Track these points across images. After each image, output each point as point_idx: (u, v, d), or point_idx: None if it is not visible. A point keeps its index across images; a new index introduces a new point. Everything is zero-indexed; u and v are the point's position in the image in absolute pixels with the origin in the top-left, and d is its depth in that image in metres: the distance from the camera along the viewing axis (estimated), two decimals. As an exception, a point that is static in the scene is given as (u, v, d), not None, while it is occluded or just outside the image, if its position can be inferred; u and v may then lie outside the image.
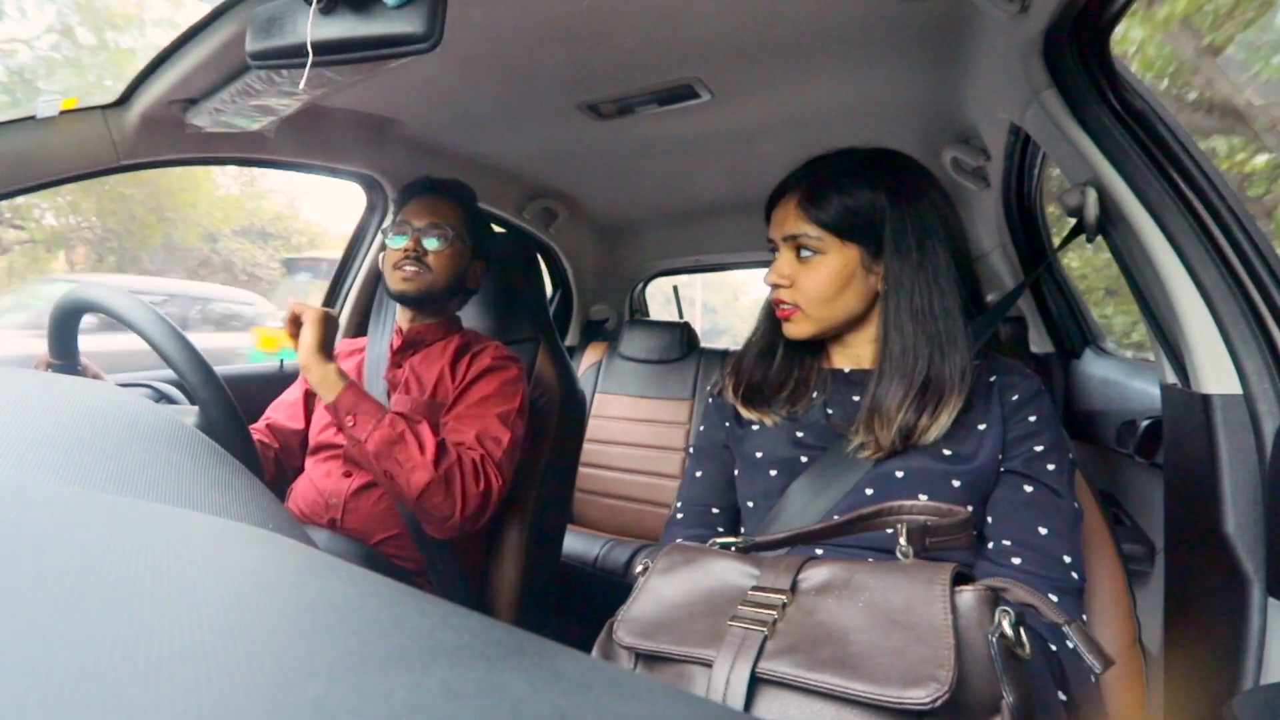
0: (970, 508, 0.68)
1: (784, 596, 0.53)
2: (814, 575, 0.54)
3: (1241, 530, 0.70)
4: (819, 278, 0.74)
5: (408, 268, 1.08)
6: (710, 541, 0.66)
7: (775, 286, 0.77)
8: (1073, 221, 0.87)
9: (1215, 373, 0.74)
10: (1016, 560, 0.65)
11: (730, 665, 0.49)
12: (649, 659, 0.56)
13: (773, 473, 0.75)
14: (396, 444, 0.90)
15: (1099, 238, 0.86)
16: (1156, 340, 0.84)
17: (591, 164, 1.69)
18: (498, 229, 1.88)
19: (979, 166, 1.32)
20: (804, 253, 0.75)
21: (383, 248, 1.14)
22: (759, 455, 0.77)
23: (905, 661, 0.45)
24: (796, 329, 0.77)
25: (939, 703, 0.43)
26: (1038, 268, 1.32)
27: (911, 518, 0.56)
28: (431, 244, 1.09)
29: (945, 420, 0.68)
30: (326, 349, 0.95)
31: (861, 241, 0.73)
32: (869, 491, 0.70)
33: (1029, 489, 0.67)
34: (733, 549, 0.63)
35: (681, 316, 2.48)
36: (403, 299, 1.12)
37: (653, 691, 0.16)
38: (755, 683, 0.49)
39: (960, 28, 0.97)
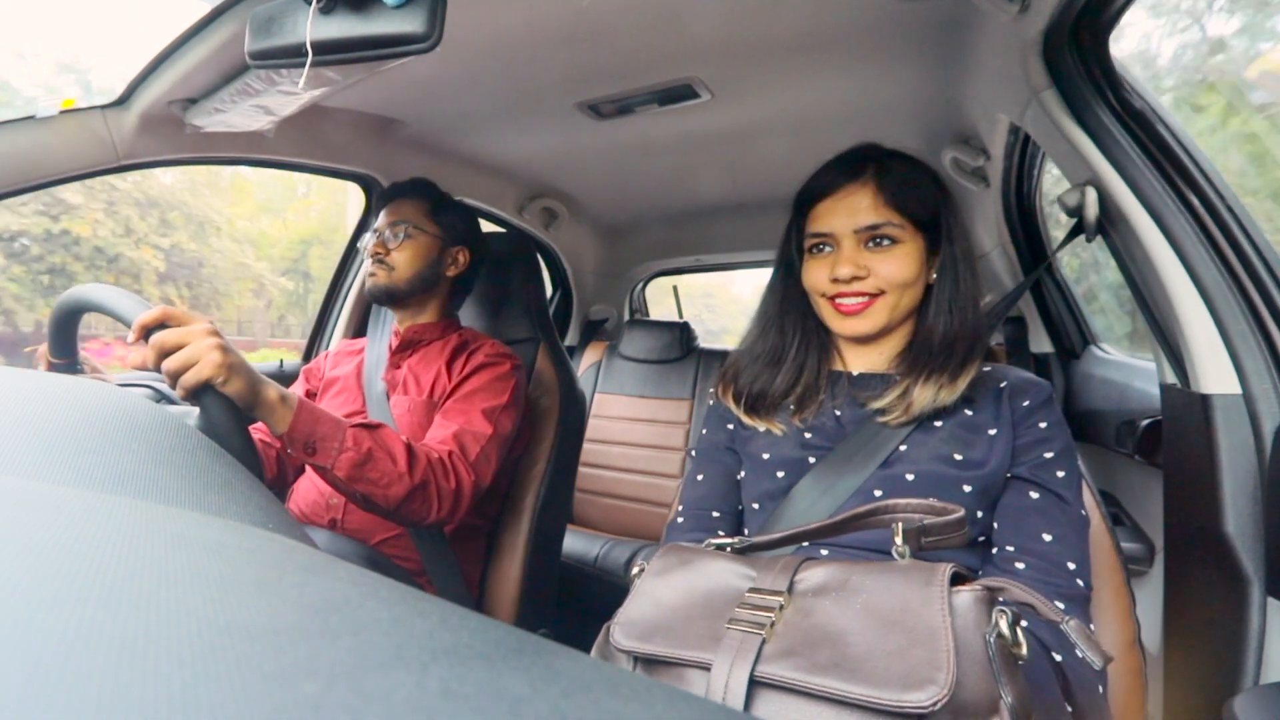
0: (980, 513, 0.68)
1: (781, 598, 0.53)
2: (811, 577, 0.54)
3: (1241, 530, 0.70)
4: (899, 264, 0.74)
5: (374, 268, 1.12)
6: (705, 542, 0.65)
7: (853, 280, 0.74)
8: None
9: (1215, 373, 0.74)
10: (1020, 566, 0.64)
11: (728, 669, 0.49)
12: (647, 662, 0.55)
13: (780, 474, 0.75)
14: (366, 464, 0.83)
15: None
16: (1156, 340, 0.85)
17: (591, 164, 1.69)
18: (498, 229, 1.88)
19: (979, 166, 1.32)
20: (882, 243, 0.74)
21: None
22: (765, 457, 0.76)
23: (904, 664, 0.45)
24: (869, 323, 0.74)
25: (938, 705, 0.43)
26: (1038, 268, 1.32)
27: (907, 516, 0.55)
28: (391, 241, 1.13)
29: (962, 384, 0.71)
30: (239, 355, 0.73)
31: (928, 232, 0.76)
32: (878, 493, 0.69)
33: (1034, 495, 0.67)
34: (728, 550, 0.63)
35: (681, 316, 2.48)
36: (373, 297, 1.15)
37: (652, 692, 0.16)
38: (753, 686, 0.49)
39: (960, 28, 0.97)
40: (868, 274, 0.73)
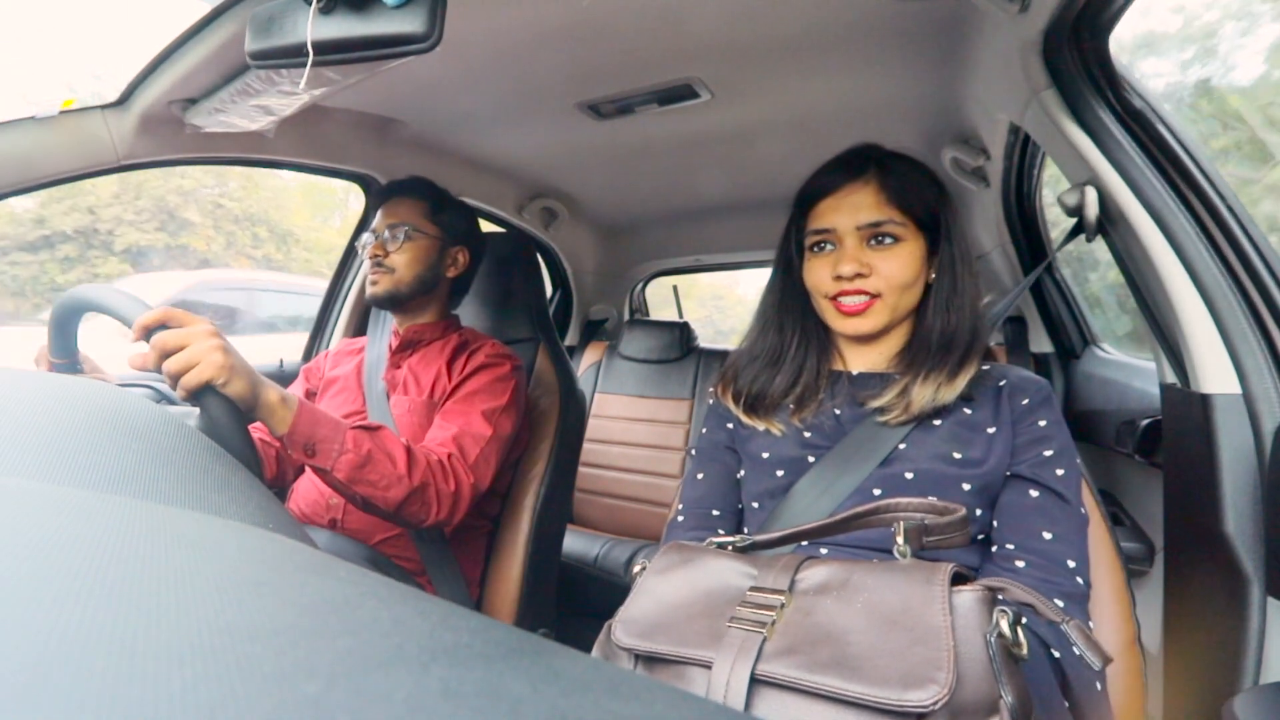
0: (980, 512, 0.68)
1: (782, 597, 0.53)
2: (812, 575, 0.54)
3: (1241, 530, 0.70)
4: (900, 263, 0.74)
5: (374, 273, 1.11)
6: (707, 540, 0.66)
7: (856, 278, 0.74)
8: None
9: (1215, 372, 0.74)
10: (1020, 564, 0.64)
11: (729, 667, 0.49)
12: (648, 660, 0.55)
13: (779, 473, 0.75)
14: (365, 465, 0.83)
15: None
16: (1156, 340, 0.85)
17: (591, 164, 1.69)
18: (497, 229, 1.88)
19: (979, 166, 1.32)
20: (884, 240, 0.74)
21: None
22: (765, 456, 0.76)
23: (904, 663, 0.45)
24: (870, 322, 0.75)
25: (939, 705, 0.43)
26: (1038, 268, 1.32)
27: (909, 515, 0.56)
28: (391, 244, 1.11)
29: (961, 382, 0.71)
30: (240, 355, 0.73)
31: (929, 232, 0.76)
32: (876, 492, 0.69)
33: (1034, 494, 0.67)
34: (730, 548, 0.63)
35: (681, 316, 2.48)
36: (375, 303, 1.14)
37: (652, 691, 0.16)
38: (754, 684, 0.49)
39: (960, 28, 0.97)
40: (870, 272, 0.73)
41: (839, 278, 0.74)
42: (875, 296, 0.74)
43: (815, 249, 0.78)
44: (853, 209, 0.75)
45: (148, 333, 0.69)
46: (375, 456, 0.84)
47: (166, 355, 0.68)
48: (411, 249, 1.12)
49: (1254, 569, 0.69)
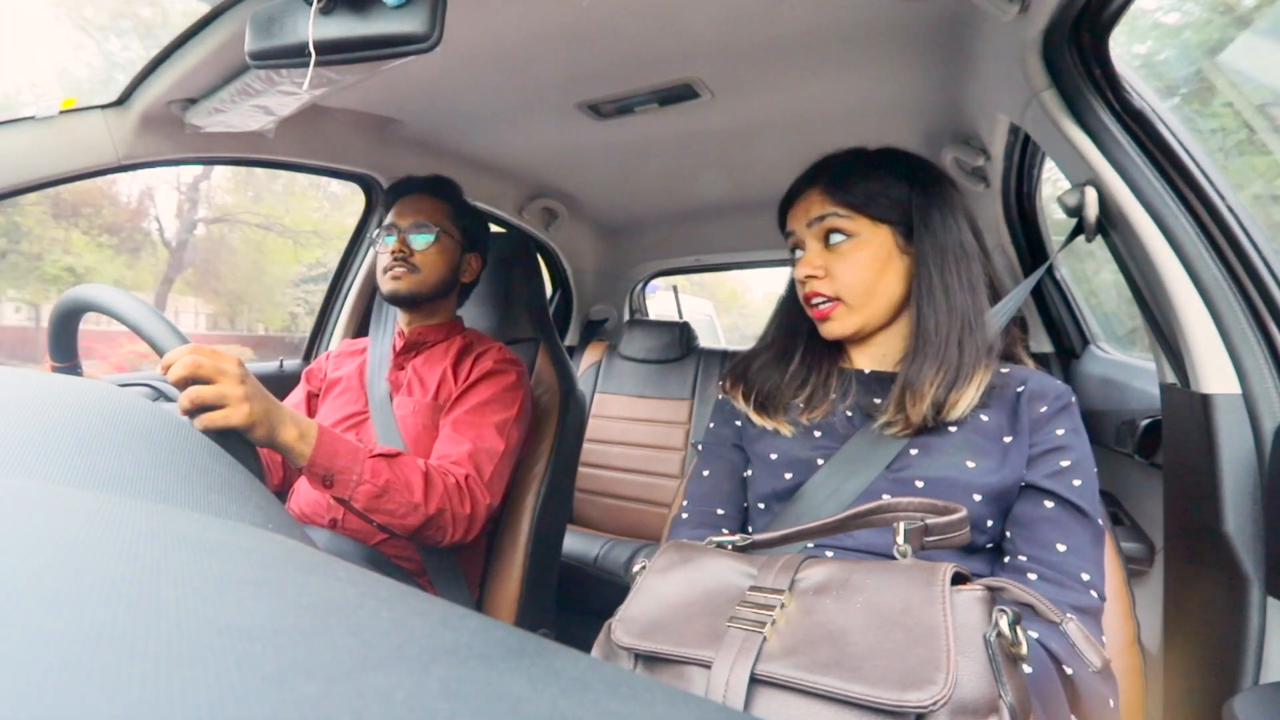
0: (991, 522, 0.67)
1: (782, 596, 0.53)
2: (812, 575, 0.54)
3: (1240, 529, 0.70)
4: (856, 263, 0.73)
5: (397, 269, 1.09)
6: (707, 539, 0.65)
7: (809, 279, 0.75)
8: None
9: (1215, 372, 0.74)
10: (1032, 576, 0.63)
11: (729, 667, 0.49)
12: (648, 660, 0.55)
13: (788, 475, 0.74)
14: (383, 495, 0.84)
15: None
16: (1156, 340, 0.85)
17: (591, 164, 1.69)
18: (497, 229, 1.88)
19: (979, 166, 1.32)
20: (835, 238, 0.74)
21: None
22: (773, 457, 0.76)
23: (904, 663, 0.45)
24: (839, 326, 0.75)
25: (938, 705, 0.43)
26: (1038, 268, 1.32)
27: (909, 515, 0.55)
28: (418, 243, 1.10)
29: (972, 395, 0.69)
30: (264, 396, 0.75)
31: (892, 222, 0.75)
32: (885, 498, 0.68)
33: (1049, 504, 0.65)
34: (730, 547, 0.63)
35: (681, 316, 2.48)
36: (394, 300, 1.12)
37: (652, 691, 0.16)
38: (754, 684, 0.49)
39: (960, 28, 0.97)
40: (824, 274, 0.75)
41: (801, 282, 0.77)
42: (837, 300, 0.74)
43: (794, 254, 0.81)
44: (804, 209, 0.77)
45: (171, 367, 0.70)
46: (393, 486, 0.85)
47: (194, 379, 0.69)
48: (438, 249, 1.11)
49: (1254, 569, 0.69)
